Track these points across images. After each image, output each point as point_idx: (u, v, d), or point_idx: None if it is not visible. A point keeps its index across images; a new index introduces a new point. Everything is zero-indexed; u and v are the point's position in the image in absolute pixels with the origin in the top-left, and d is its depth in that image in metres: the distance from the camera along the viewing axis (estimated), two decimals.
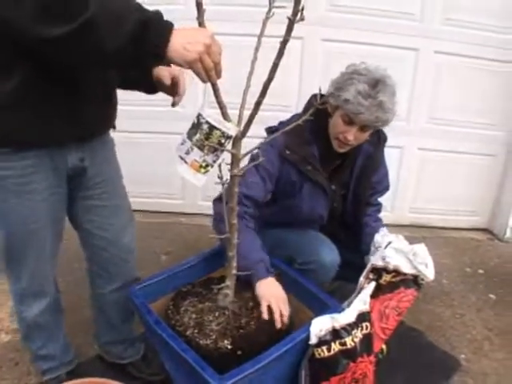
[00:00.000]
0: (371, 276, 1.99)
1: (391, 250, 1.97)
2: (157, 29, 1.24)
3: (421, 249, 1.99)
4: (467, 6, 3.42)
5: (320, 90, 1.49)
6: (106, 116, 1.76)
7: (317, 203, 2.24)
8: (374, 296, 1.94)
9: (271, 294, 1.84)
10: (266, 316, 1.77)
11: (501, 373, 2.42)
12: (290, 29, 1.32)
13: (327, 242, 2.25)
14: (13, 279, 1.81)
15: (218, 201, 2.07)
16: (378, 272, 2.00)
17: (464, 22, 3.45)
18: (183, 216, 3.79)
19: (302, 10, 1.28)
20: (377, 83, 1.94)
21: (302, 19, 1.30)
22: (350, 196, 2.32)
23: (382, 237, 2.08)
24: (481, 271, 3.43)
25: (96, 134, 1.74)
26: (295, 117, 2.16)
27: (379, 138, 2.32)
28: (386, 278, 1.98)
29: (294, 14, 1.29)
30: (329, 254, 2.19)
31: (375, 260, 2.00)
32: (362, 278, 2.01)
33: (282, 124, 2.17)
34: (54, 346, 2.00)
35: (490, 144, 3.86)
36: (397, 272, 1.97)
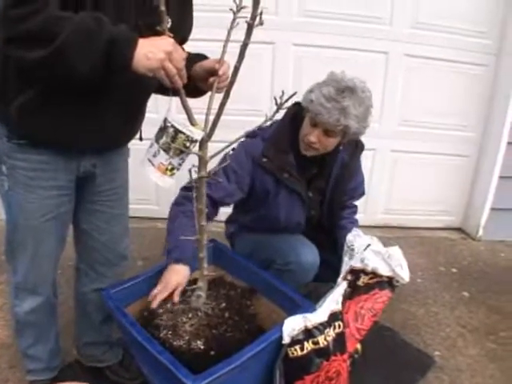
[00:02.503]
0: (349, 277, 2.01)
1: (370, 252, 1.99)
2: (124, 45, 1.32)
3: (395, 251, 2.02)
4: (437, 10, 3.49)
5: (283, 93, 1.50)
6: (128, 130, 1.81)
7: (293, 211, 2.26)
8: (350, 297, 1.97)
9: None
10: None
11: (474, 368, 2.46)
12: (249, 33, 1.36)
13: (307, 243, 2.27)
14: (12, 271, 1.84)
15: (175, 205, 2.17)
16: (356, 273, 2.02)
17: (434, 25, 3.52)
18: (159, 221, 3.77)
19: (261, 14, 1.31)
20: (345, 90, 1.97)
21: (261, 23, 1.33)
22: (327, 202, 2.34)
23: (353, 236, 2.10)
24: (454, 270, 3.48)
25: (115, 146, 1.80)
26: (274, 123, 2.18)
27: (356, 147, 2.34)
28: (363, 279, 2.00)
29: (253, 18, 1.32)
30: (309, 255, 2.21)
31: (354, 262, 2.02)
32: (340, 279, 2.03)
33: (260, 130, 2.12)
34: (43, 348, 2.00)
35: (462, 145, 3.93)
36: (374, 274, 2.00)
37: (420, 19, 3.49)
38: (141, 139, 1.88)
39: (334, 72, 2.07)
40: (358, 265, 2.00)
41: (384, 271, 1.98)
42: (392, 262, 1.97)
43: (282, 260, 2.21)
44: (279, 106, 1.53)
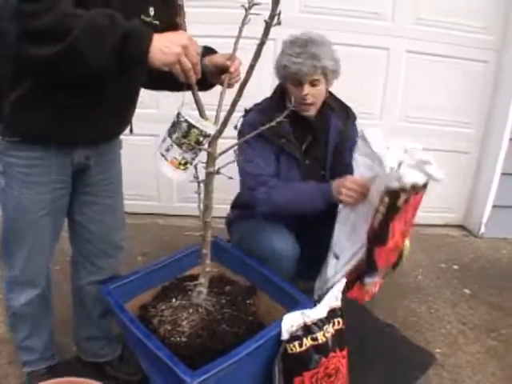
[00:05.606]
0: (386, 200, 1.83)
1: (406, 167, 1.82)
2: (138, 41, 1.31)
3: (425, 155, 1.91)
4: (439, 6, 3.46)
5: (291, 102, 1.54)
6: (120, 122, 1.83)
7: (290, 177, 2.28)
8: (391, 218, 1.86)
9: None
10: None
11: (475, 366, 2.46)
12: (266, 32, 1.37)
13: (283, 232, 2.24)
14: (7, 266, 1.85)
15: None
16: (394, 194, 1.82)
17: (436, 21, 3.50)
18: (160, 217, 3.79)
19: (279, 14, 1.33)
20: (305, 43, 2.11)
21: (278, 23, 1.35)
22: (328, 176, 2.34)
23: (373, 133, 2.01)
24: (456, 267, 3.47)
25: (107, 138, 1.81)
26: (266, 100, 2.33)
27: (348, 115, 2.40)
28: (403, 197, 1.82)
29: (271, 17, 1.33)
30: (281, 241, 2.18)
31: (389, 182, 1.82)
32: (372, 200, 1.92)
33: (256, 105, 2.32)
34: (38, 339, 2.01)
35: (463, 141, 3.91)
36: (413, 187, 1.81)
37: (421, 15, 3.47)
38: (131, 131, 1.90)
39: (286, 38, 2.21)
40: (394, 184, 1.80)
41: (422, 180, 1.83)
42: (426, 167, 1.85)
43: (257, 247, 2.19)
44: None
